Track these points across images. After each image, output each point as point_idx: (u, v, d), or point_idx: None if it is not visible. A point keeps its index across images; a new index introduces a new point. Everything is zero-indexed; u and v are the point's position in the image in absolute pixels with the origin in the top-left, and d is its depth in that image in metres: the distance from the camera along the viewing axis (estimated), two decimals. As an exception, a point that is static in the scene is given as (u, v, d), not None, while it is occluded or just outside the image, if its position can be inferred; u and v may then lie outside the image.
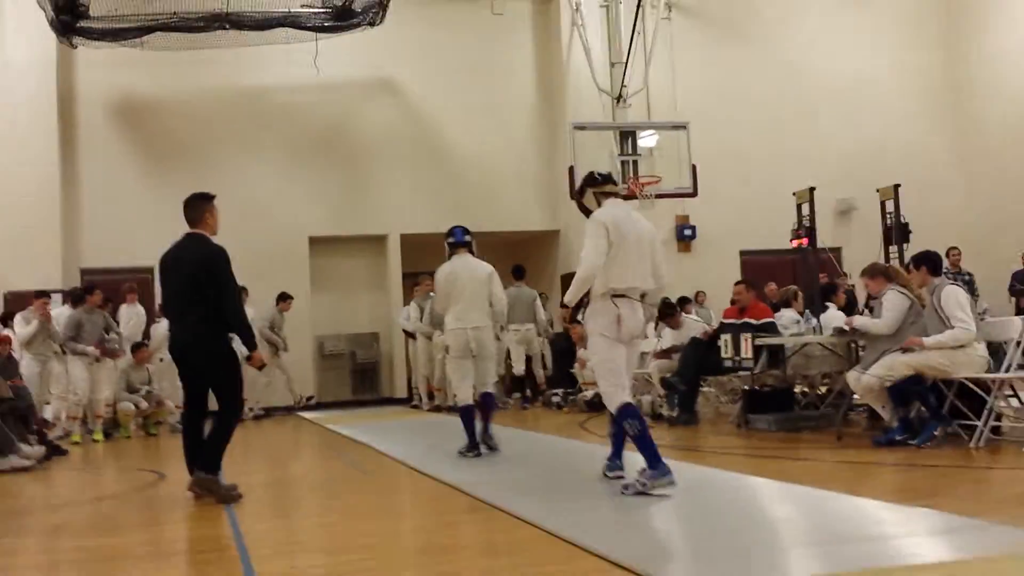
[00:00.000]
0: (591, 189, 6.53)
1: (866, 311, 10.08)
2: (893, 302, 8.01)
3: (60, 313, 12.43)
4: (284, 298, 15.22)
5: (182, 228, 6.90)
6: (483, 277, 8.61)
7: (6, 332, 11.42)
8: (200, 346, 6.66)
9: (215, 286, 6.61)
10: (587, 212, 6.53)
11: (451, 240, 8.86)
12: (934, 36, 19.26)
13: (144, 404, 12.70)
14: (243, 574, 4.49)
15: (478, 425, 8.57)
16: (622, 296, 6.15)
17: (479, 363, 8.60)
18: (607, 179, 6.59)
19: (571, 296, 6.27)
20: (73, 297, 12.49)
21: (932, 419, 7.62)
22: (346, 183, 17.17)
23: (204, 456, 6.66)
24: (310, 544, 5.41)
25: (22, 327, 11.96)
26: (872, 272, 8.57)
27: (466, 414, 8.56)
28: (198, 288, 6.62)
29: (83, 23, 14.57)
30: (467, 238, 8.85)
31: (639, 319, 6.28)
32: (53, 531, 6.09)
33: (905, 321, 7.92)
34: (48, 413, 11.67)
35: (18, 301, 13.24)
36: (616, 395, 6.15)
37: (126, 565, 5.18)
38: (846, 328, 8.55)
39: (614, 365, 6.19)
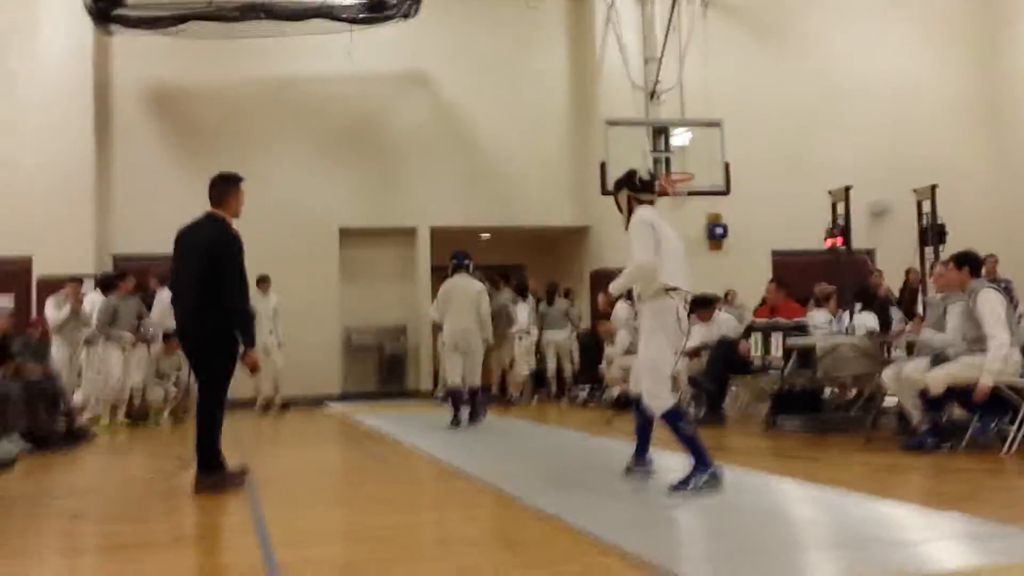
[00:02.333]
0: (628, 191, 6.47)
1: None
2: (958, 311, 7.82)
3: (91, 299, 12.52)
4: (260, 280, 14.28)
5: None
6: (474, 293, 11.13)
7: (39, 316, 11.52)
8: (196, 329, 6.51)
9: (219, 270, 6.41)
10: (620, 208, 6.52)
11: (454, 262, 11.30)
12: (971, 41, 19.03)
13: (174, 391, 12.77)
14: (263, 561, 4.48)
15: (465, 412, 10.90)
16: (674, 291, 6.13)
17: (467, 358, 11.09)
18: (648, 187, 6.52)
19: (618, 286, 6.31)
20: (104, 283, 12.58)
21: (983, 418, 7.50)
22: (377, 175, 17.18)
23: (198, 458, 6.51)
24: (330, 533, 5.40)
25: (53, 312, 12.06)
26: (961, 261, 7.95)
27: (455, 395, 11.10)
28: (204, 269, 6.42)
29: (119, 11, 14.69)
30: (466, 262, 11.28)
31: (686, 317, 6.30)
32: (76, 516, 6.10)
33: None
34: (78, 397, 11.75)
35: (51, 286, 13.33)
36: (664, 397, 6.12)
37: (147, 551, 5.18)
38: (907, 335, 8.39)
39: (663, 365, 6.17)
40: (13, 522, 5.85)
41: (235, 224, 6.80)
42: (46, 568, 4.84)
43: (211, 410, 6.59)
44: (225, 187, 6.81)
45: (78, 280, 12.38)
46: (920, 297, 12.96)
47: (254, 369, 6.79)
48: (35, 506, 6.48)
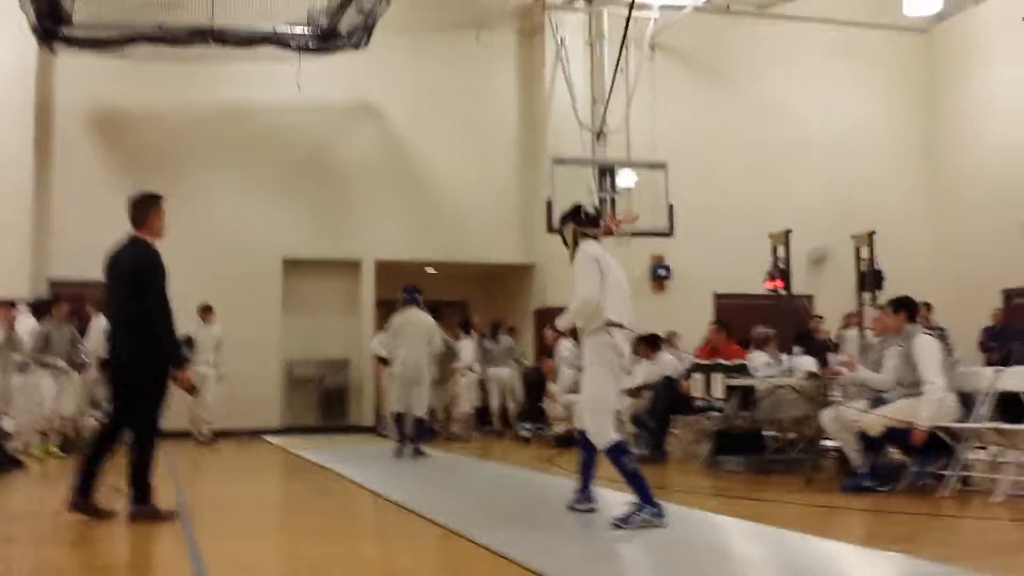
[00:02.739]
0: (574, 225, 6.51)
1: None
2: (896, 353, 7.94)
3: (25, 324, 12.24)
4: (204, 309, 14.20)
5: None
6: (426, 327, 11.59)
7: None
8: (124, 353, 6.44)
9: (142, 293, 6.37)
10: (566, 243, 6.55)
11: (405, 296, 11.73)
12: (915, 89, 19.55)
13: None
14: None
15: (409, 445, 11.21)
16: (617, 327, 6.15)
17: (415, 388, 11.42)
18: (593, 222, 6.58)
19: (564, 323, 6.31)
20: (37, 308, 12.30)
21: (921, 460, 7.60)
22: (323, 205, 17.06)
23: (131, 486, 6.41)
24: (269, 565, 5.30)
25: (-14, 336, 11.74)
26: (899, 305, 8.09)
27: (400, 419, 11.50)
28: (129, 293, 6.40)
29: (65, 30, 14.45)
30: (417, 295, 11.72)
31: (628, 353, 6.32)
32: (5, 541, 5.92)
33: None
34: (9, 424, 11.43)
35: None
36: (607, 431, 6.11)
37: (79, 579, 5.05)
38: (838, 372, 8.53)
39: (607, 400, 6.17)
40: (-62, 549, 5.66)
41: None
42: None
43: (144, 439, 6.48)
44: (146, 207, 6.74)
45: (9, 304, 12.07)
46: (858, 340, 13.19)
47: (191, 390, 6.75)
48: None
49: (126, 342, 6.42)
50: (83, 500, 6.44)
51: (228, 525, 6.61)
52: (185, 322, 13.67)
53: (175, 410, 13.24)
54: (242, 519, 7.01)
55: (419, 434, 11.48)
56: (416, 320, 11.55)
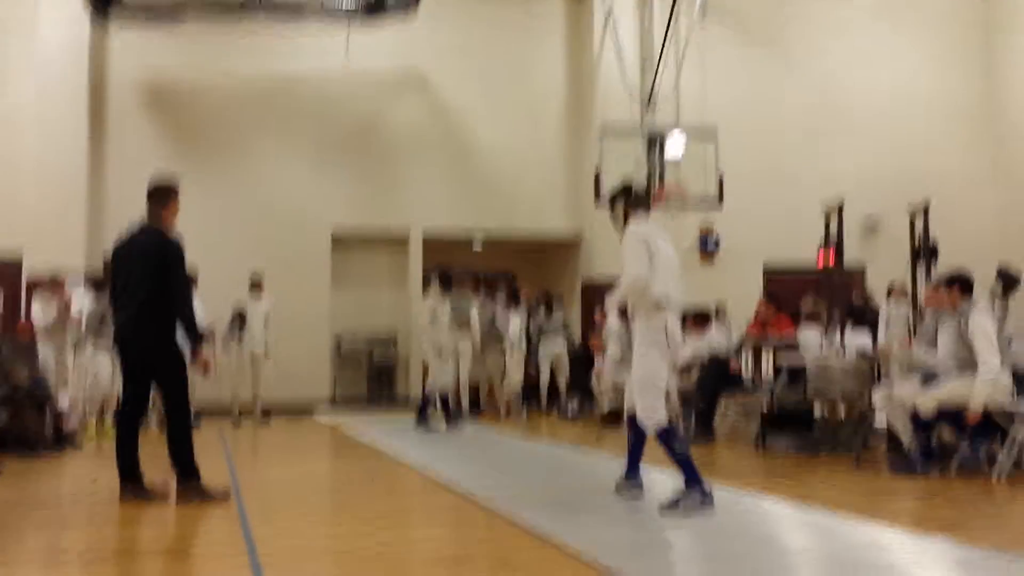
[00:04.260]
0: (624, 204, 6.45)
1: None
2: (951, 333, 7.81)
3: (80, 299, 12.37)
4: (254, 284, 14.11)
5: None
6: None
7: (27, 320, 11.38)
8: (142, 338, 6.61)
9: (166, 278, 6.55)
10: (615, 221, 6.51)
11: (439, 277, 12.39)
12: (972, 56, 19.04)
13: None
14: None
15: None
16: (667, 305, 6.12)
17: (450, 364, 12.57)
18: (643, 201, 6.52)
19: (614, 302, 6.34)
20: (96, 285, 12.45)
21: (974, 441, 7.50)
22: (371, 178, 17.12)
23: (175, 465, 6.66)
24: (319, 550, 5.37)
25: (40, 313, 11.85)
26: (953, 281, 7.92)
27: (431, 397, 12.40)
28: (146, 278, 6.56)
29: (118, 3, 14.63)
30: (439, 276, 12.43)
31: (679, 332, 6.28)
32: (60, 523, 6.06)
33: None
34: (65, 401, 11.61)
35: (40, 285, 13.22)
36: (658, 415, 6.10)
37: (132, 561, 5.15)
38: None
39: (658, 382, 6.16)
40: (-2, 531, 5.81)
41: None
42: (31, 580, 4.80)
43: (178, 418, 6.73)
44: (164, 198, 6.89)
45: (60, 281, 12.21)
46: (910, 315, 12.98)
47: (206, 370, 6.96)
48: (18, 512, 6.42)
49: (146, 325, 6.58)
50: (131, 486, 6.60)
51: (277, 508, 6.69)
52: (236, 297, 14.05)
53: (221, 388, 13.57)
54: (291, 502, 7.09)
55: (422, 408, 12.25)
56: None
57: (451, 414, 12.43)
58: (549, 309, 15.23)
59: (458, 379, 13.56)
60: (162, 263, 6.58)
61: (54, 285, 12.00)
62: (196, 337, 6.76)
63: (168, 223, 6.87)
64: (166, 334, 6.61)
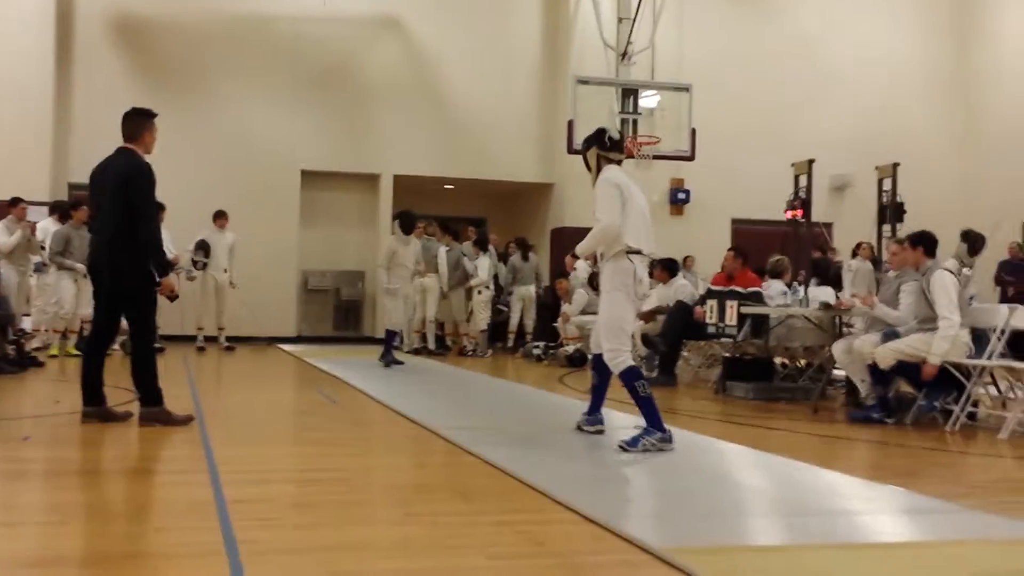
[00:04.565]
0: (597, 150, 6.44)
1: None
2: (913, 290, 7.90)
3: (44, 226, 12.31)
4: (217, 215, 14.14)
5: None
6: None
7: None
8: (112, 262, 6.57)
9: (131, 202, 6.50)
10: (588, 166, 6.50)
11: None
12: (946, 20, 19.16)
13: (125, 323, 12.58)
14: (213, 497, 4.47)
15: None
16: (636, 253, 6.15)
17: (406, 303, 12.72)
18: (616, 146, 6.51)
19: (584, 248, 6.29)
20: (60, 211, 12.35)
21: (929, 394, 7.62)
22: (343, 119, 16.99)
23: (138, 390, 6.68)
24: (281, 472, 5.41)
25: (4, 236, 11.79)
26: (917, 240, 7.99)
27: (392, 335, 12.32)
28: (117, 203, 6.51)
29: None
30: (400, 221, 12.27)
31: (647, 279, 6.30)
32: (21, 441, 6.05)
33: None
34: (27, 324, 11.57)
35: (4, 211, 13.07)
36: (623, 356, 6.15)
37: (93, 478, 5.17)
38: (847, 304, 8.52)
39: (625, 324, 6.20)
40: (-42, 445, 5.79)
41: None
42: (-8, 492, 4.80)
43: (143, 344, 6.74)
44: (140, 122, 6.83)
45: (21, 201, 12.09)
46: (871, 273, 13.14)
47: (172, 296, 6.97)
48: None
49: (117, 252, 6.54)
50: (94, 408, 6.60)
51: (240, 433, 6.73)
52: (200, 228, 13.95)
53: (188, 315, 13.55)
54: (253, 427, 7.12)
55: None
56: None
57: (387, 351, 12.16)
58: (525, 254, 15.33)
59: (424, 318, 14.14)
60: (129, 187, 6.52)
61: (18, 208, 11.86)
62: (159, 263, 6.74)
63: (146, 145, 6.80)
64: (140, 259, 6.57)
